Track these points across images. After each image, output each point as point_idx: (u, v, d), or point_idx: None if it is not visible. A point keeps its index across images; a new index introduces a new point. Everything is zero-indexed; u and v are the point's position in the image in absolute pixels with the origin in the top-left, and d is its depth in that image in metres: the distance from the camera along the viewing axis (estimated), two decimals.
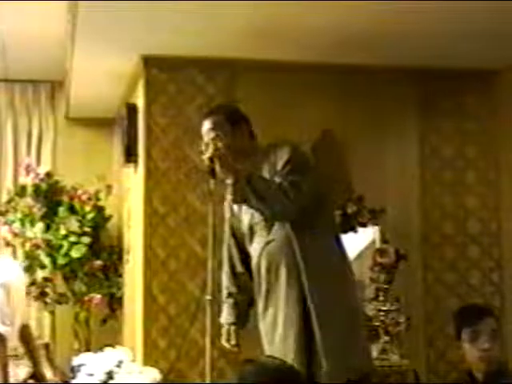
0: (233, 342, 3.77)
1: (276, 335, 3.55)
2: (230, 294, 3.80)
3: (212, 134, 3.61)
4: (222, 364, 4.56)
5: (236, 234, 3.77)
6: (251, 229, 3.66)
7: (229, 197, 3.57)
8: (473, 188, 5.36)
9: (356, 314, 3.65)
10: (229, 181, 3.46)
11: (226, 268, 3.83)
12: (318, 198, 3.56)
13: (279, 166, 3.53)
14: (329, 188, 3.65)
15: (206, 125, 3.68)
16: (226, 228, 3.80)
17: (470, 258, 5.32)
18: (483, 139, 5.41)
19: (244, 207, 3.65)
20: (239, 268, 3.78)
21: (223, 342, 3.77)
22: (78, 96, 6.09)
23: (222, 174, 3.47)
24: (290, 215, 3.49)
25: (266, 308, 3.61)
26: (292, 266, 3.51)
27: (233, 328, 3.78)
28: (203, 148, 3.63)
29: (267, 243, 3.58)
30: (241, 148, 3.64)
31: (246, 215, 3.66)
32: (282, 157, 3.54)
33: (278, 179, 3.48)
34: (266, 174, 3.56)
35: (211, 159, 3.48)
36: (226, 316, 3.79)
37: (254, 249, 3.64)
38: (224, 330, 3.78)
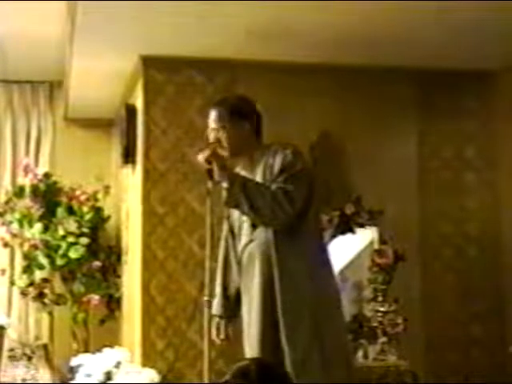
0: (221, 336, 3.76)
1: (250, 334, 3.59)
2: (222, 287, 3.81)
3: (214, 126, 3.64)
4: (220, 365, 4.55)
5: (233, 229, 3.78)
6: (240, 226, 3.68)
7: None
8: (472, 189, 5.36)
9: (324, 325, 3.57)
10: (224, 184, 3.48)
11: (220, 263, 3.83)
12: (306, 204, 3.58)
13: (276, 170, 3.54)
14: (316, 193, 3.64)
15: (210, 116, 3.71)
16: (225, 223, 3.80)
17: (469, 258, 5.32)
18: (482, 140, 5.41)
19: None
20: (232, 262, 3.78)
21: (213, 337, 3.76)
22: (76, 97, 6.09)
23: (218, 177, 3.49)
24: (279, 224, 3.50)
25: (243, 304, 3.65)
26: (266, 269, 3.53)
27: (222, 322, 3.78)
28: (209, 139, 3.67)
29: (249, 242, 3.61)
30: (241, 143, 3.66)
31: (237, 213, 3.68)
32: (280, 162, 3.54)
33: (272, 185, 3.49)
34: (260, 173, 3.58)
35: (208, 160, 3.50)
36: (215, 307, 3.77)
37: (240, 246, 3.68)
38: (213, 324, 3.77)
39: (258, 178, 3.57)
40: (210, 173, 3.53)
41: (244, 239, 3.65)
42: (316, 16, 4.33)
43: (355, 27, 4.50)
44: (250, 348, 3.57)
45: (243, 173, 3.63)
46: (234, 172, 3.55)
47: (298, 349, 3.46)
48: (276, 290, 3.49)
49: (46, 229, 6.01)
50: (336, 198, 5.00)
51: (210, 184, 3.58)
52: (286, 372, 3.16)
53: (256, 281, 3.56)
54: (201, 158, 3.53)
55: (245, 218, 3.63)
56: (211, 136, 3.65)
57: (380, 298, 4.81)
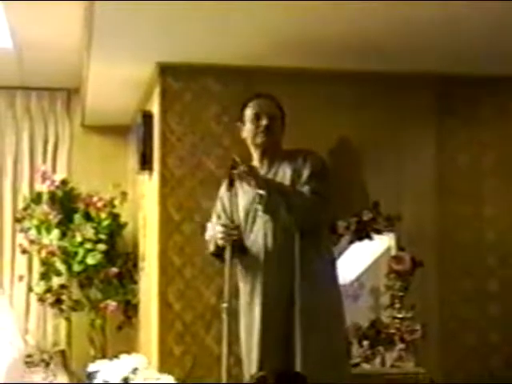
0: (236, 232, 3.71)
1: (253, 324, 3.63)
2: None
3: (270, 112, 3.73)
4: (237, 371, 4.55)
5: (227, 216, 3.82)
6: (253, 217, 3.71)
7: (259, 207, 3.59)
8: (490, 196, 5.33)
9: (339, 325, 3.75)
10: (261, 191, 3.51)
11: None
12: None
13: (306, 173, 3.59)
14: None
15: (262, 103, 3.77)
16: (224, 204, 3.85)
17: (488, 265, 5.28)
18: (501, 147, 5.37)
19: (244, 200, 3.72)
20: None
21: (221, 238, 3.74)
22: (93, 104, 6.11)
23: (255, 186, 3.53)
24: (312, 224, 3.58)
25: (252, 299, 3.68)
26: (287, 269, 3.57)
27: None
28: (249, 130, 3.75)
29: (265, 238, 3.63)
30: (279, 142, 3.74)
31: (243, 205, 3.74)
32: (310, 166, 3.63)
33: (304, 187, 3.54)
34: (288, 177, 3.61)
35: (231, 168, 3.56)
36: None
37: (251, 235, 3.70)
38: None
39: (285, 182, 3.62)
40: (230, 180, 3.59)
41: (256, 233, 3.68)
42: (332, 23, 4.33)
43: (372, 35, 4.50)
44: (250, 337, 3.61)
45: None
46: (267, 178, 3.60)
47: (312, 349, 3.50)
48: (296, 289, 3.53)
49: (63, 235, 6.03)
50: (354, 203, 5.00)
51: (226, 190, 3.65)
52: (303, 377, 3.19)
53: (274, 279, 3.58)
54: (238, 171, 3.56)
55: (260, 213, 3.64)
56: (263, 122, 3.71)
57: (397, 305, 4.79)
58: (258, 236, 3.66)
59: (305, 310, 3.56)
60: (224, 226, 3.69)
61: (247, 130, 3.80)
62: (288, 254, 3.60)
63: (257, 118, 3.75)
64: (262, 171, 3.72)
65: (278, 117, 3.78)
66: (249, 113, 3.79)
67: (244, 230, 3.72)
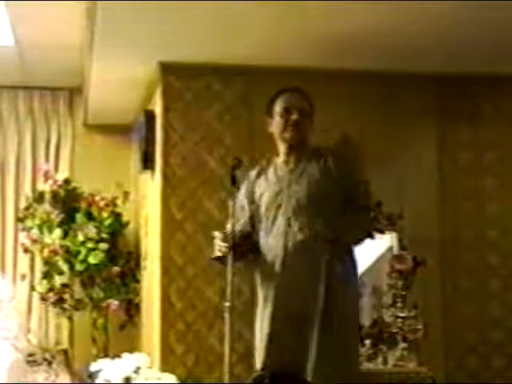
0: (227, 245, 3.60)
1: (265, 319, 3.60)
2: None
3: (301, 107, 3.69)
4: (239, 370, 4.55)
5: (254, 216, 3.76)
6: (274, 216, 3.65)
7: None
8: (491, 195, 5.33)
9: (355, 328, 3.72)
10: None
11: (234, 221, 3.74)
12: None
13: (345, 182, 3.65)
14: None
15: (290, 97, 3.73)
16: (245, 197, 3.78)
17: (490, 264, 5.28)
18: (502, 145, 5.38)
19: (266, 194, 3.70)
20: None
21: (218, 247, 3.66)
22: (96, 103, 6.12)
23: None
24: (362, 239, 3.74)
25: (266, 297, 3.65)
26: (312, 272, 3.55)
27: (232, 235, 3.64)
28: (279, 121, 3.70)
29: (286, 238, 3.61)
30: (307, 137, 3.72)
31: (266, 202, 3.69)
32: (352, 177, 3.73)
33: (353, 205, 3.63)
34: (315, 176, 3.60)
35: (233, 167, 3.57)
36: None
37: (271, 234, 3.66)
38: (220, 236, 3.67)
39: (313, 180, 3.59)
40: (233, 179, 3.58)
41: (277, 232, 3.64)
42: (332, 23, 4.34)
43: (372, 34, 4.50)
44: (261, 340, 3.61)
45: (282, 169, 3.68)
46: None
47: (326, 353, 3.49)
48: (320, 294, 3.51)
49: (65, 234, 6.04)
50: None
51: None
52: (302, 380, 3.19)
53: (290, 287, 3.56)
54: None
55: (281, 211, 3.62)
56: (293, 116, 3.66)
57: (399, 304, 4.79)
58: (278, 237, 3.61)
59: (325, 315, 3.52)
60: (219, 237, 3.65)
61: (276, 124, 3.73)
62: (308, 257, 3.55)
63: (287, 112, 3.68)
64: (289, 167, 3.69)
65: (308, 112, 3.73)
66: (278, 107, 3.71)
67: (265, 227, 3.67)
